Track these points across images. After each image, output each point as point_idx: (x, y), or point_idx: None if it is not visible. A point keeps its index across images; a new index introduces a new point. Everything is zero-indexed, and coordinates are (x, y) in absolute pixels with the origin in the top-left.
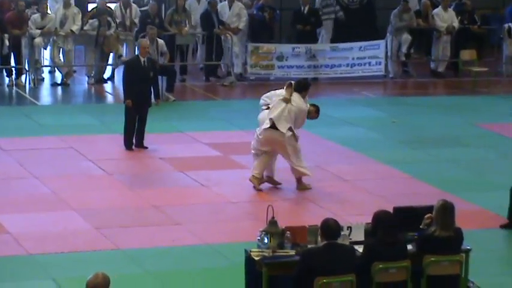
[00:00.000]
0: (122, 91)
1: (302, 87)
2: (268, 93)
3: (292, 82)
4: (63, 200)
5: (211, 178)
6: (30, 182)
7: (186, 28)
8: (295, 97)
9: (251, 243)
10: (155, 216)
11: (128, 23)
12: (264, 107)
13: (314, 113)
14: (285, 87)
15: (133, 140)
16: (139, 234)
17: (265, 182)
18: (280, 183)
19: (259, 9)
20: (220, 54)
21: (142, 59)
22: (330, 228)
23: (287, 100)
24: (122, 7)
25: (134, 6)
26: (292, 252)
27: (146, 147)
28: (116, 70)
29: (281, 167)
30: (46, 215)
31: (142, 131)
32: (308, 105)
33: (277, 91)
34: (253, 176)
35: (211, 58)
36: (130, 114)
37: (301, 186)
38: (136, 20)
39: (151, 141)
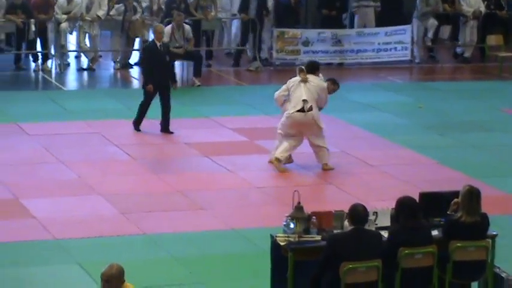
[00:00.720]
0: (142, 76)
1: (313, 67)
2: (282, 87)
3: (302, 66)
4: (89, 185)
5: (237, 163)
6: (56, 166)
7: (212, 13)
8: (311, 77)
9: (277, 228)
10: (180, 201)
11: (154, 8)
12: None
13: (331, 84)
14: (298, 72)
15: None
16: (164, 219)
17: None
18: (291, 161)
19: None
20: (246, 39)
21: (158, 44)
22: (358, 214)
23: (305, 80)
24: None
25: None
26: (318, 238)
27: (172, 132)
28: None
29: (307, 151)
30: (72, 199)
31: (167, 116)
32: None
33: (290, 80)
34: (276, 158)
35: (244, 44)
36: (148, 99)
37: (326, 166)
38: (163, 5)
39: (176, 126)
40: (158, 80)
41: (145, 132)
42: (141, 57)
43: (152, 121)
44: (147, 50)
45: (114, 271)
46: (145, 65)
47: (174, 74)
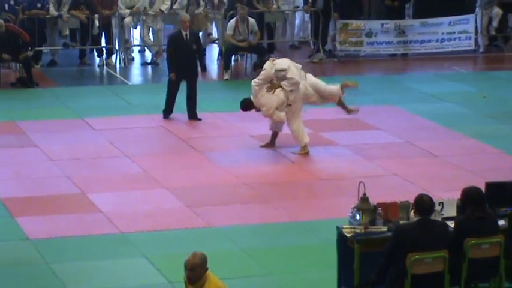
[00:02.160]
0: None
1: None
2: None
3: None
4: (155, 179)
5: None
6: (122, 160)
7: (274, 6)
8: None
9: (343, 219)
10: (246, 194)
11: (216, 1)
12: None
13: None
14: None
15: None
16: (230, 212)
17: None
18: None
19: None
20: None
21: (184, 33)
22: (425, 204)
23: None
24: None
25: None
26: (384, 229)
27: (200, 119)
28: (206, 48)
29: (372, 143)
30: (138, 193)
31: (194, 104)
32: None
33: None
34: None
35: (316, 35)
36: (173, 87)
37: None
38: None
39: (241, 118)
40: (183, 68)
41: (210, 125)
42: (167, 47)
43: (216, 114)
44: (172, 39)
45: (198, 259)
46: (169, 54)
47: (203, 63)
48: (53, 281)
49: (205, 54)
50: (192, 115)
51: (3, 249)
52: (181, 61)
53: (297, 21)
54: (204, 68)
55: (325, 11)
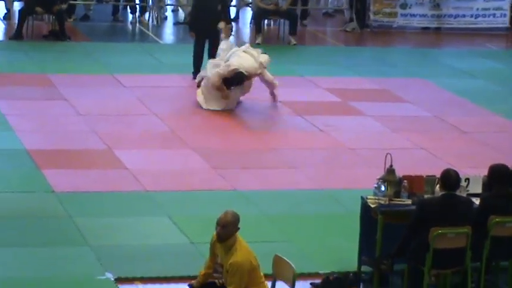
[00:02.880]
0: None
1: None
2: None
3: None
4: (182, 139)
5: (330, 123)
6: (150, 119)
7: None
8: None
9: (367, 190)
10: (272, 159)
11: None
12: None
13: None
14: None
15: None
16: (256, 176)
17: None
18: None
19: None
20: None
21: None
22: (451, 179)
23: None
24: None
25: None
26: (409, 202)
27: None
28: (240, 11)
29: (397, 114)
30: (164, 152)
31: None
32: None
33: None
34: None
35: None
36: (197, 47)
37: None
38: None
39: None
40: (205, 26)
41: None
42: (192, 5)
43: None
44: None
45: (230, 217)
46: (191, 12)
47: (227, 16)
48: (74, 235)
49: (229, 8)
50: None
51: (28, 201)
52: (204, 20)
53: None
54: (228, 22)
55: None
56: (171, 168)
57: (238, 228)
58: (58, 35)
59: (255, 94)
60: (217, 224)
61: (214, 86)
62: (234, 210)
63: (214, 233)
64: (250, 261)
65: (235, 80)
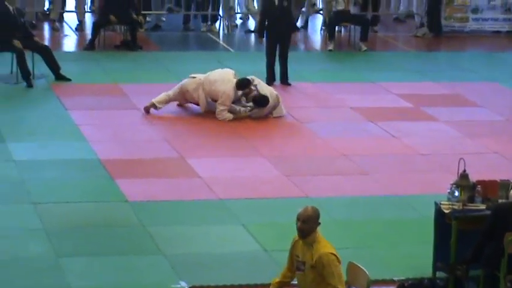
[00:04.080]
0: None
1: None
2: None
3: None
4: (254, 147)
5: (402, 129)
6: (222, 127)
7: None
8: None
9: (440, 195)
10: (344, 165)
11: None
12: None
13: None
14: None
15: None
16: (328, 183)
17: None
18: None
19: None
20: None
21: None
22: None
23: None
24: None
25: None
26: (483, 207)
27: (289, 84)
28: (309, 18)
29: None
30: (236, 160)
31: (285, 68)
32: None
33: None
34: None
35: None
36: (268, 52)
37: None
38: None
39: (342, 90)
40: (276, 30)
41: (311, 95)
42: (260, 12)
43: (317, 84)
44: (264, 2)
45: (311, 212)
46: (260, 18)
47: (294, 24)
48: (148, 244)
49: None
50: (283, 79)
51: (102, 210)
52: (272, 26)
53: None
54: (294, 28)
55: None
56: (244, 176)
57: (319, 223)
58: (130, 45)
59: (324, 101)
60: (298, 219)
61: (229, 98)
62: (313, 206)
63: (294, 236)
64: (336, 255)
65: (260, 103)
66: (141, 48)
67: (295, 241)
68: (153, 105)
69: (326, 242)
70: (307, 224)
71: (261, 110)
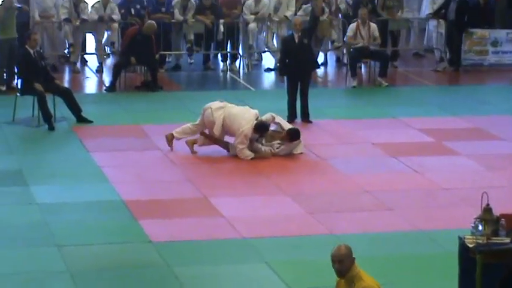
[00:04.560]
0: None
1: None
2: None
3: None
4: (276, 184)
5: (424, 164)
6: (244, 165)
7: (398, 13)
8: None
9: (464, 230)
10: (367, 201)
11: (332, 8)
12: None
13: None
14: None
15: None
16: (351, 219)
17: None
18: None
19: None
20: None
21: (296, 35)
22: None
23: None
24: None
25: None
26: (507, 240)
27: (310, 121)
28: (328, 55)
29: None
30: (259, 198)
31: (305, 104)
32: None
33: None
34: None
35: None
36: (290, 91)
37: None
38: (342, 6)
39: (363, 126)
40: (296, 67)
41: (332, 131)
42: (280, 50)
43: (339, 121)
44: (284, 42)
45: (344, 250)
46: (281, 57)
47: (315, 61)
48: (174, 284)
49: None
50: (304, 116)
51: (126, 252)
52: (293, 64)
53: (424, 29)
54: (316, 66)
55: (457, 21)
56: (267, 214)
57: (354, 259)
58: (150, 85)
59: (346, 137)
60: (333, 261)
61: (246, 137)
62: (345, 243)
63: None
64: (379, 286)
65: (294, 137)
66: (162, 88)
67: (338, 281)
68: (172, 136)
69: (367, 277)
70: (344, 263)
71: (289, 146)
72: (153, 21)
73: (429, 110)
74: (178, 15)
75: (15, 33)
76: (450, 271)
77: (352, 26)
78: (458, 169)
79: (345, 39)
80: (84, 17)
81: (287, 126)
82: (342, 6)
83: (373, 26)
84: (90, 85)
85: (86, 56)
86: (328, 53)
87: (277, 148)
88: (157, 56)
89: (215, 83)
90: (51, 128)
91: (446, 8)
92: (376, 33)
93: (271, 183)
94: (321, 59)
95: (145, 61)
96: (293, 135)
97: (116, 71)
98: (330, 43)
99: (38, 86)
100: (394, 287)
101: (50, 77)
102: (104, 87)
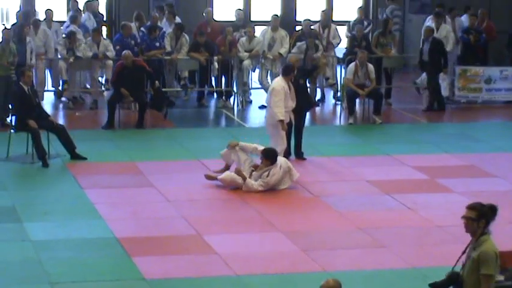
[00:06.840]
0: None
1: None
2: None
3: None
4: (269, 222)
5: (418, 201)
6: (237, 203)
7: (392, 51)
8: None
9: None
10: (361, 239)
11: (324, 43)
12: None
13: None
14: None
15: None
16: (345, 257)
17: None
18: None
19: (464, 32)
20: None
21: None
22: None
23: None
24: (321, 28)
25: (333, 26)
26: (501, 278)
27: (304, 158)
28: (324, 92)
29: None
30: (253, 236)
31: (299, 142)
32: None
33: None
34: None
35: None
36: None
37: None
38: (335, 41)
39: (357, 163)
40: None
41: (327, 169)
42: None
43: (333, 158)
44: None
45: (332, 284)
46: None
47: (312, 100)
48: None
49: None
50: (298, 152)
51: None
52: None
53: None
54: (313, 103)
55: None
56: (260, 251)
57: None
58: (138, 126)
59: (340, 174)
60: None
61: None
62: (333, 278)
63: None
64: None
65: (268, 155)
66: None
67: None
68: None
69: None
70: None
71: (276, 170)
72: (128, 51)
73: (423, 148)
74: (168, 47)
75: (12, 70)
76: None
77: (351, 67)
78: (452, 206)
79: (341, 80)
80: (79, 54)
81: (261, 148)
82: (335, 41)
83: (371, 67)
84: (85, 122)
85: (80, 93)
86: (325, 89)
87: (267, 176)
88: (157, 84)
89: (209, 120)
90: (45, 165)
91: (421, 50)
92: (373, 75)
93: (265, 220)
94: (317, 95)
95: (135, 94)
96: (267, 154)
97: (111, 107)
98: (324, 80)
99: (32, 123)
100: None
101: (44, 114)
102: (101, 126)
